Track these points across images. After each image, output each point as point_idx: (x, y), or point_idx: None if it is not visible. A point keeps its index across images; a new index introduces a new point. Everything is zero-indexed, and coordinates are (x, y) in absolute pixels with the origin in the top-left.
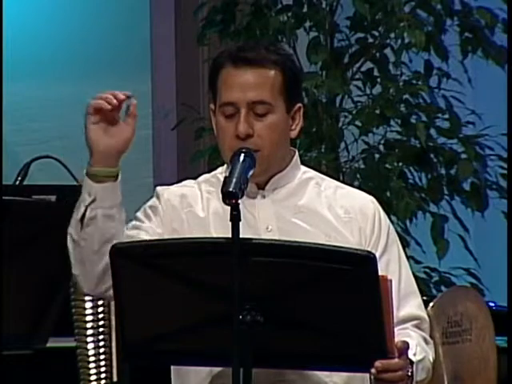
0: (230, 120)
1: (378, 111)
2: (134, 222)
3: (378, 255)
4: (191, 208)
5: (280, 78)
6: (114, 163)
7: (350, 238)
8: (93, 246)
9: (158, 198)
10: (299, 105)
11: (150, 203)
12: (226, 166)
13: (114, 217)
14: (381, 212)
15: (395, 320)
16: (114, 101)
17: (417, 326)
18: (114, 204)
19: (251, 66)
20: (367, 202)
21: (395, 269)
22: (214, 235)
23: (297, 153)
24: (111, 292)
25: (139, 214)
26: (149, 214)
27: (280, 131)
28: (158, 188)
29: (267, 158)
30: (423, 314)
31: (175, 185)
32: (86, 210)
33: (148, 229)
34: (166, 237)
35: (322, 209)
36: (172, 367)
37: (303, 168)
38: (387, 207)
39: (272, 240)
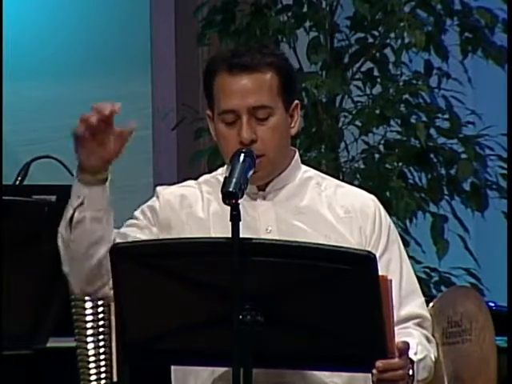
0: (232, 127)
1: (377, 111)
2: (130, 221)
3: (378, 254)
4: (191, 209)
5: (276, 79)
6: (102, 172)
7: (349, 239)
8: (81, 247)
9: (157, 197)
10: (296, 102)
11: (148, 202)
12: (226, 167)
13: (101, 219)
14: (381, 210)
15: (397, 319)
16: (102, 113)
17: (419, 325)
18: (101, 207)
19: (247, 71)
20: (368, 201)
21: (396, 267)
22: (214, 236)
23: (297, 152)
24: (102, 292)
25: (136, 213)
26: (145, 212)
27: (282, 132)
28: (158, 188)
29: (272, 162)
30: (425, 312)
31: (176, 185)
32: (74, 213)
33: (143, 226)
34: (161, 236)
35: (323, 209)
36: (172, 368)
37: (304, 167)
38: (387, 207)
39: (272, 240)
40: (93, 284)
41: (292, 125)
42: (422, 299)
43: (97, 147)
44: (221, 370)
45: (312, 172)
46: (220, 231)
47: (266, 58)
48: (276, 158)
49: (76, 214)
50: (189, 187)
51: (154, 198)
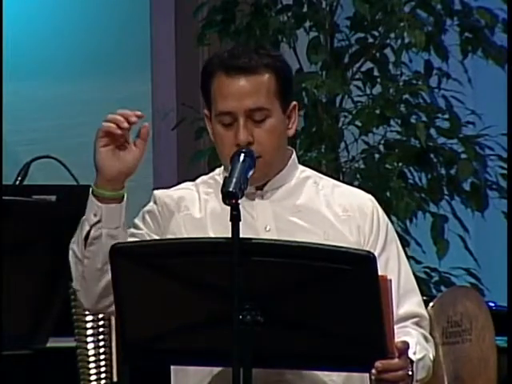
0: (229, 128)
1: (378, 111)
2: (131, 230)
3: (376, 253)
4: (188, 211)
5: (274, 80)
6: (120, 185)
7: (348, 237)
8: (96, 264)
9: (155, 201)
10: (294, 103)
11: (147, 208)
12: (223, 167)
13: (117, 236)
14: (379, 210)
15: (395, 317)
16: (125, 124)
17: (417, 324)
18: (118, 225)
19: (245, 73)
20: (365, 201)
21: (394, 266)
22: (212, 236)
23: (294, 152)
24: (111, 309)
25: (137, 221)
26: (146, 220)
27: (279, 134)
28: (156, 192)
29: (268, 163)
30: (423, 311)
31: (173, 188)
32: (90, 230)
33: (145, 235)
34: None
35: (321, 207)
36: (172, 367)
37: (301, 167)
38: (387, 207)
39: (272, 240)
40: (105, 301)
41: (289, 126)
42: (420, 298)
43: (118, 151)
44: (220, 369)
45: (309, 172)
46: (219, 230)
47: (263, 59)
48: (273, 159)
49: (92, 231)
50: (186, 189)
51: (152, 203)
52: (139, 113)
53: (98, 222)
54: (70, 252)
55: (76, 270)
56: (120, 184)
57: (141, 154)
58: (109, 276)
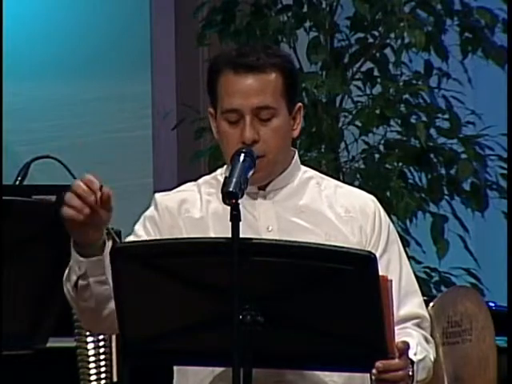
0: (234, 126)
1: (378, 111)
2: (132, 238)
3: (378, 254)
4: (188, 213)
5: (281, 80)
6: (97, 241)
7: (350, 238)
8: (90, 305)
9: (155, 206)
10: (299, 104)
11: (147, 213)
12: (226, 167)
13: (105, 281)
14: (381, 211)
15: (396, 319)
16: (86, 210)
17: (417, 325)
18: (103, 271)
19: (252, 71)
20: (367, 201)
21: (396, 267)
22: (213, 236)
23: (297, 153)
24: (114, 332)
25: (138, 228)
26: (147, 227)
27: (284, 134)
28: (156, 195)
29: (272, 163)
30: (424, 312)
31: (174, 190)
32: (78, 280)
33: None
34: None
35: (323, 208)
36: (175, 368)
37: (303, 168)
38: (387, 207)
39: (272, 240)
40: (104, 330)
41: (294, 127)
42: (421, 299)
43: (88, 221)
44: (220, 369)
45: (311, 172)
46: (220, 231)
47: (271, 58)
48: (276, 159)
49: (80, 281)
50: (187, 191)
51: (152, 208)
52: (96, 184)
53: (83, 274)
54: (65, 292)
55: (72, 305)
56: (96, 240)
57: (109, 213)
58: (105, 313)
